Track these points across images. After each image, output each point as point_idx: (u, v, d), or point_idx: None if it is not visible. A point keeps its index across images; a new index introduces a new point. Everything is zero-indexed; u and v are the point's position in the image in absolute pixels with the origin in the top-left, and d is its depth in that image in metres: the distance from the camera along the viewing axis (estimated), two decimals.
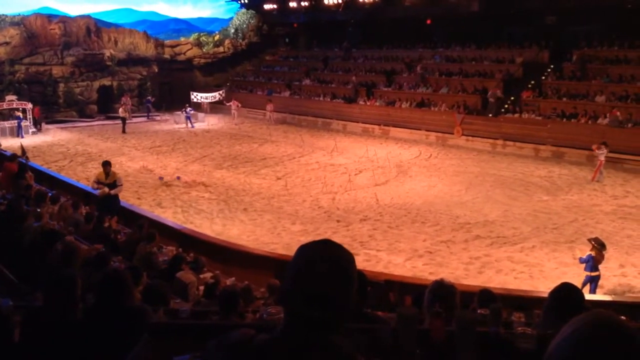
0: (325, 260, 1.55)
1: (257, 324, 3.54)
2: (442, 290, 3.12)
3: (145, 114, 33.23)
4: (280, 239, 12.68)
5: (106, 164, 12.02)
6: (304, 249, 1.61)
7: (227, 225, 13.75)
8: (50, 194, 10.29)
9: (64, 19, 34.67)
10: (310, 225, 13.72)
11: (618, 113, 20.39)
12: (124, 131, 27.99)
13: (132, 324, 3.21)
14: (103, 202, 11.30)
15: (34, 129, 28.19)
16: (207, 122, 31.32)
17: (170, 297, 5.79)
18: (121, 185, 12.06)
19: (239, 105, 31.74)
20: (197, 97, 34.81)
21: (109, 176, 11.79)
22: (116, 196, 11.83)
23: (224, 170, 19.83)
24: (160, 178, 18.14)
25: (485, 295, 5.32)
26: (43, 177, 14.53)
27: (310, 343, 1.49)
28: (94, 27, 34.90)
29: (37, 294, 4.24)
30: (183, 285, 6.80)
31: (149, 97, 34.25)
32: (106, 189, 11.61)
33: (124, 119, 28.40)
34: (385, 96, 28.66)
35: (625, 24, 23.84)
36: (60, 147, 24.32)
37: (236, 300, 4.98)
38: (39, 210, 8.33)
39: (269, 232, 13.24)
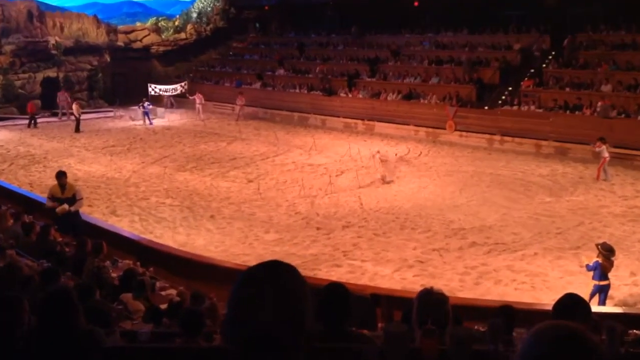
0: (269, 291, 1.49)
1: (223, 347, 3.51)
2: (431, 299, 3.13)
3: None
4: (252, 249, 12.63)
5: (61, 175, 11.10)
6: (247, 276, 1.55)
7: (191, 235, 13.66)
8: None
9: (2, 2, 34.00)
10: (287, 233, 13.70)
11: (609, 102, 20.66)
12: (77, 130, 27.63)
13: (80, 348, 3.15)
14: (63, 221, 10.62)
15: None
16: (167, 118, 31.09)
17: (115, 319, 5.71)
18: (82, 199, 11.30)
19: (203, 98, 31.58)
20: (155, 89, 34.56)
21: (65, 189, 10.98)
22: (77, 213, 11.11)
23: (187, 173, 19.71)
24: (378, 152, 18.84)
25: (507, 312, 5.31)
26: None
27: None
28: (37, 11, 34.37)
29: None
30: (128, 311, 6.71)
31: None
32: (65, 206, 10.79)
33: (77, 117, 28.02)
34: (369, 87, 28.78)
35: (631, 5, 24.21)
36: None
37: (201, 321, 4.93)
38: None
39: (239, 242, 13.19)
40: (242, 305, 1.49)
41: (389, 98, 27.39)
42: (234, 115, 31.19)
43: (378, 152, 19.02)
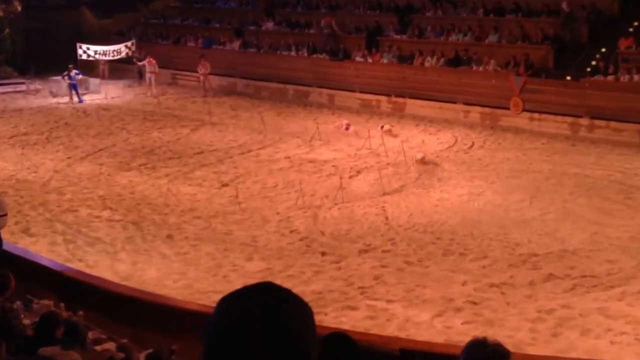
0: (264, 326, 1.52)
1: None
2: (485, 354, 3.11)
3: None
4: (228, 285, 12.57)
5: None
6: (227, 306, 1.59)
7: (139, 263, 13.65)
8: None
9: None
10: (278, 261, 13.69)
11: None
12: None
13: None
14: None
15: None
16: (105, 94, 31.05)
17: None
18: (5, 215, 11.37)
19: (156, 65, 31.56)
20: (88, 52, 34.56)
21: None
22: None
23: (133, 173, 19.72)
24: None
25: None
26: None
27: None
28: None
29: None
30: None
31: None
32: None
33: None
34: (398, 47, 28.73)
35: None
36: None
37: None
38: None
39: (209, 273, 13.17)
40: (226, 349, 1.51)
41: (426, 63, 27.29)
42: (200, 90, 31.24)
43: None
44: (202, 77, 31.14)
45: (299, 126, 24.87)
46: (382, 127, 21.83)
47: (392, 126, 21.05)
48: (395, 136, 19.74)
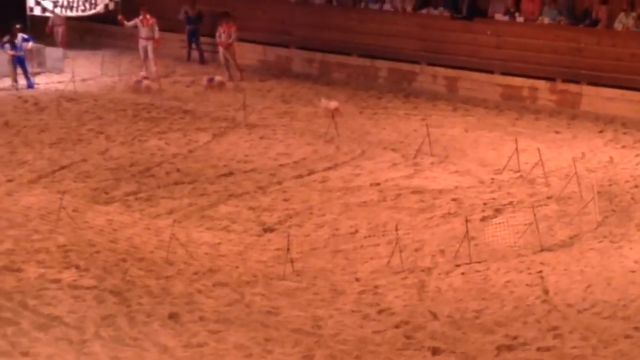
0: None
1: None
2: None
3: None
4: None
5: None
6: None
7: None
8: None
9: None
10: None
11: None
12: None
13: None
14: None
15: None
16: (71, 72, 31.41)
17: None
18: None
19: (156, 26, 31.94)
20: (43, 3, 35.01)
21: None
22: None
23: (115, 208, 19.93)
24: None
25: None
26: None
27: None
28: None
29: None
30: None
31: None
32: None
33: None
34: None
35: None
36: None
37: None
38: None
39: None
40: None
41: (617, 25, 27.10)
42: (224, 71, 31.56)
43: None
44: (222, 50, 31.47)
45: (395, 131, 25.00)
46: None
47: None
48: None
